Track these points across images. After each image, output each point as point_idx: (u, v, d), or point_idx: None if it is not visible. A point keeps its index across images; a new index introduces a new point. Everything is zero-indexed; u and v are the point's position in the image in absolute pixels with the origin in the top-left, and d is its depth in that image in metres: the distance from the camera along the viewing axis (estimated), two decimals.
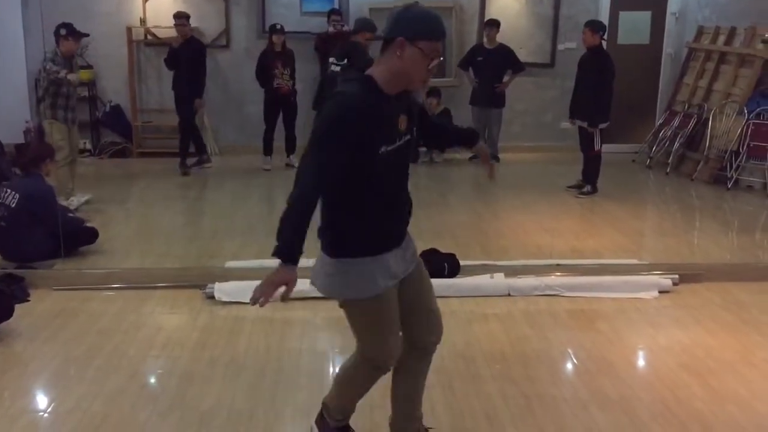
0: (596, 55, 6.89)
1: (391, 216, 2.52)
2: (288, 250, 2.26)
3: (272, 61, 8.00)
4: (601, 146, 7.00)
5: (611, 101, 6.89)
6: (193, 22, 8.16)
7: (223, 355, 3.74)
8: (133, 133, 8.88)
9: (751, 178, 7.48)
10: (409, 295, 2.59)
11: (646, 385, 3.51)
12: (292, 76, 8.08)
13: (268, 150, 8.21)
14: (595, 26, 6.94)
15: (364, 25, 6.39)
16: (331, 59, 6.44)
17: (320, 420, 2.84)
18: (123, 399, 3.30)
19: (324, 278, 2.52)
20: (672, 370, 3.66)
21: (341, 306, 2.57)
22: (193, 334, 3.99)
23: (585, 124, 6.99)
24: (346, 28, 8.65)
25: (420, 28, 2.33)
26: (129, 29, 8.71)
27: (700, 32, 8.78)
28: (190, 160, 8.08)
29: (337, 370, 3.65)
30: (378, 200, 2.44)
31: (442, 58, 2.44)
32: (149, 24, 8.77)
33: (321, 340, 3.99)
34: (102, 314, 4.24)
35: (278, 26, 8.02)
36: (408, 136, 2.47)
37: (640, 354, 3.94)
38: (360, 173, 2.36)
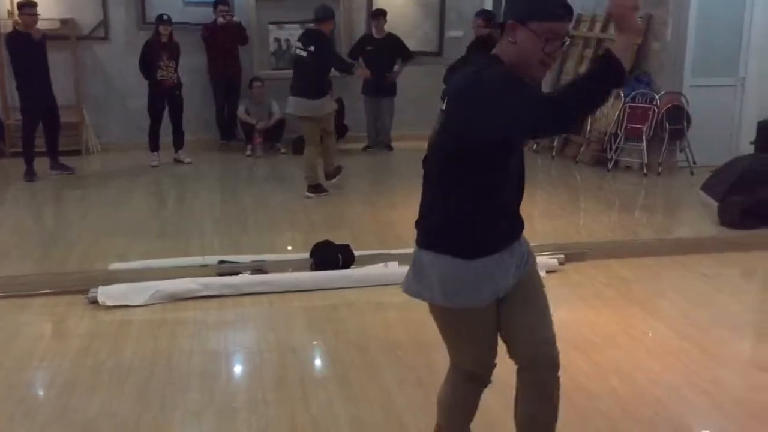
0: (487, 43, 7.02)
1: (511, 209, 2.32)
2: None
3: (157, 52, 7.71)
4: None
5: None
6: (67, 13, 7.77)
7: (107, 360, 3.57)
8: (5, 131, 8.33)
9: (629, 159, 7.87)
10: (515, 308, 2.34)
11: None
12: (177, 69, 7.82)
13: (154, 146, 7.93)
14: (489, 16, 7.10)
15: (327, 14, 6.48)
16: (298, 43, 6.61)
17: None
18: (0, 414, 3.10)
19: (436, 283, 2.24)
20: (559, 347, 3.78)
21: (435, 311, 2.33)
22: (74, 342, 3.79)
23: None
24: (236, 18, 8.47)
25: (530, 8, 2.13)
26: None
27: (578, 20, 9.11)
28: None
29: (245, 367, 3.59)
30: (505, 189, 2.25)
31: (568, 41, 2.20)
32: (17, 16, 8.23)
33: (212, 339, 3.87)
34: None
35: (165, 17, 7.73)
36: None
37: None
38: (496, 154, 2.15)
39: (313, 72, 6.37)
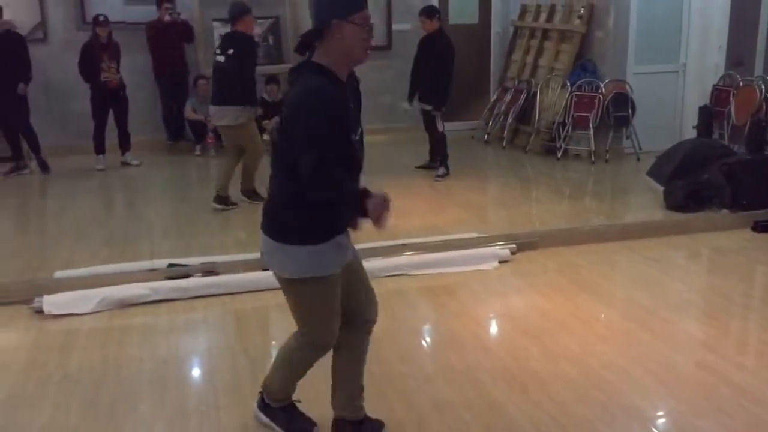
0: (437, 39, 7.00)
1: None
2: (354, 197, 2.43)
3: (97, 54, 7.52)
4: (444, 126, 7.16)
5: (452, 83, 7.04)
6: (4, 15, 7.50)
7: (54, 372, 3.48)
8: None
9: (578, 147, 7.97)
10: (348, 277, 2.68)
11: (489, 353, 3.64)
12: (119, 69, 7.65)
13: (99, 149, 7.74)
14: (431, 12, 7.09)
15: (244, 9, 5.99)
16: (216, 50, 6.19)
17: (262, 403, 2.92)
18: None
19: (292, 263, 2.56)
20: (511, 336, 3.83)
21: (290, 287, 2.62)
22: (19, 354, 3.68)
23: (429, 108, 7.09)
24: (183, 16, 8.33)
25: (346, 4, 2.43)
26: None
27: (523, 10, 9.20)
28: (2, 167, 7.47)
29: (197, 372, 3.54)
30: None
31: (373, 23, 2.53)
32: None
33: (162, 345, 3.79)
34: None
35: (101, 18, 7.53)
36: (360, 128, 2.61)
37: (483, 324, 4.08)
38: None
39: (229, 78, 5.90)
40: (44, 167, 7.61)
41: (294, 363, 2.82)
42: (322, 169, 2.37)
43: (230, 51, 5.96)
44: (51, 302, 4.15)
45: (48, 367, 3.53)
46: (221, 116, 6.04)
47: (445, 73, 6.91)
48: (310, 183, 2.39)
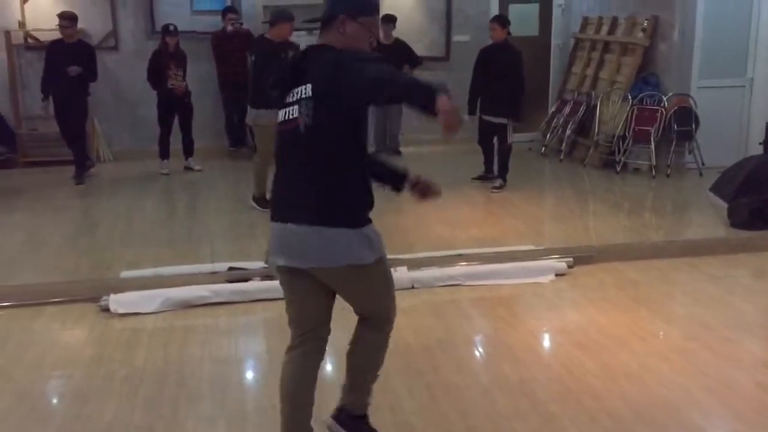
0: (506, 48, 7.00)
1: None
2: (433, 87, 2.22)
3: (165, 62, 7.77)
4: (512, 138, 7.13)
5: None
6: (77, 24, 7.82)
7: (119, 369, 3.61)
8: (18, 142, 8.42)
9: (638, 161, 7.85)
10: None
11: (544, 366, 3.63)
12: (185, 77, 7.88)
13: (164, 153, 7.98)
14: (504, 21, 7.09)
15: (279, 17, 6.12)
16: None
17: (340, 415, 2.82)
18: (10, 423, 3.13)
19: (348, 250, 2.49)
20: (568, 350, 3.80)
21: (361, 274, 2.53)
22: (87, 350, 3.83)
23: (501, 119, 7.01)
24: (245, 26, 8.53)
25: (359, 3, 2.46)
26: (7, 33, 8.25)
27: (584, 23, 9.12)
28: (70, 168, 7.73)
29: (256, 373, 3.62)
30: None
31: (378, 30, 2.61)
32: (29, 27, 8.34)
33: (223, 346, 3.90)
34: None
35: (171, 27, 7.78)
36: None
37: (538, 336, 4.06)
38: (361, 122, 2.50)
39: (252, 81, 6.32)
40: (78, 177, 7.59)
41: (379, 354, 2.75)
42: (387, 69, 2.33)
43: (253, 56, 6.39)
44: (117, 301, 4.30)
45: (113, 364, 3.66)
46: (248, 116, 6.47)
47: (519, 82, 6.91)
48: (390, 80, 2.31)
